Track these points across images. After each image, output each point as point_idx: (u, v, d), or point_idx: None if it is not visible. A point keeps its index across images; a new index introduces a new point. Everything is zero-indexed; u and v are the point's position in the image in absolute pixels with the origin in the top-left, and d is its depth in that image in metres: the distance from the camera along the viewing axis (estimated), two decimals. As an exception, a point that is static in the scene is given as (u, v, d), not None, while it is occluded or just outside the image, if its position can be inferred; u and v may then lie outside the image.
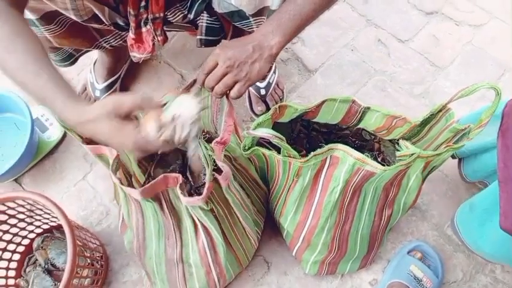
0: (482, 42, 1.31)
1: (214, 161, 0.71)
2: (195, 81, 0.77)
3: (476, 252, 0.92)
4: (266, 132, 0.68)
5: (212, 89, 0.73)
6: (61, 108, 0.63)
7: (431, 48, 1.30)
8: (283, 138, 0.69)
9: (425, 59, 1.28)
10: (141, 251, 0.87)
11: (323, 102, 0.79)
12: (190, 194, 0.84)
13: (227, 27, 0.90)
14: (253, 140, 0.78)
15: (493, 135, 0.74)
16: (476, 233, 0.88)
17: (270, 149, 0.77)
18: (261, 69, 0.70)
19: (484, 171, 0.92)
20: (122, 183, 0.71)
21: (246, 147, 0.77)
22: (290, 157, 0.73)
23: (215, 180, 0.72)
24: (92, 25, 0.85)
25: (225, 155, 0.81)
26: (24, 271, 1.00)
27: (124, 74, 1.24)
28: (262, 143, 0.81)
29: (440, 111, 0.77)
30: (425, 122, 0.80)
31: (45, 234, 1.03)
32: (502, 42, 1.30)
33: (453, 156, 0.80)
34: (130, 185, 0.84)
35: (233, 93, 0.71)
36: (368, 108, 0.81)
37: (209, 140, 0.75)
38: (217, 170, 0.72)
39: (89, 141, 0.76)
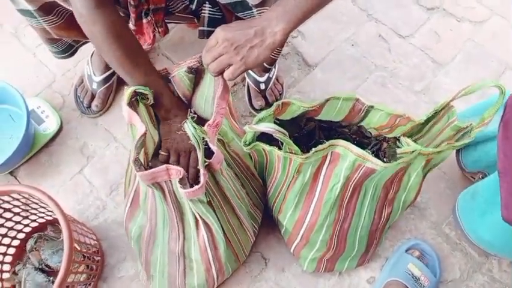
0: (483, 39, 1.30)
1: (206, 143, 0.70)
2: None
3: (476, 242, 0.91)
4: (268, 127, 0.67)
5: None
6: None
7: (431, 44, 1.29)
8: (286, 133, 0.68)
9: (426, 55, 1.27)
10: (151, 237, 0.86)
11: (326, 100, 0.78)
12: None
13: (229, 18, 0.88)
14: (255, 135, 0.77)
15: (493, 125, 0.74)
16: (476, 222, 0.87)
17: (270, 145, 0.77)
18: (260, 55, 0.68)
19: (484, 161, 0.91)
20: (135, 162, 0.69)
21: (247, 142, 0.76)
22: (291, 153, 0.72)
23: (207, 166, 0.71)
24: None
25: (218, 139, 0.80)
26: (14, 272, 0.98)
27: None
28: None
29: (442, 109, 0.76)
30: (427, 120, 0.80)
31: (38, 234, 1.01)
32: (503, 39, 1.29)
33: (452, 146, 0.81)
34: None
35: (226, 74, 0.70)
36: (372, 107, 0.80)
37: (198, 122, 0.73)
38: (208, 154, 0.71)
39: (131, 106, 0.75)
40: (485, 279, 0.98)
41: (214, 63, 0.70)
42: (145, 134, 0.71)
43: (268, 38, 0.68)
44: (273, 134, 0.67)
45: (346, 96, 0.79)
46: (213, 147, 0.70)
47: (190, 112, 0.79)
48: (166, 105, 0.81)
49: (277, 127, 0.66)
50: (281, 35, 0.68)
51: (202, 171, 0.69)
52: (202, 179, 0.69)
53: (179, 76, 0.81)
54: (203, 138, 0.69)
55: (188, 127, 0.67)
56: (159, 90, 0.79)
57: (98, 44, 0.75)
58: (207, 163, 0.70)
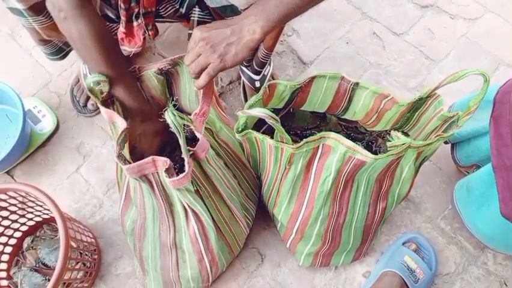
0: (477, 35, 1.31)
1: (192, 132, 0.69)
2: None
3: (476, 235, 0.92)
4: (261, 112, 0.66)
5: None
6: None
7: (426, 42, 1.30)
8: (278, 119, 0.68)
9: (420, 52, 1.28)
10: (141, 232, 0.86)
11: (313, 78, 0.79)
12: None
13: None
14: (247, 121, 0.77)
15: (485, 120, 0.74)
16: (474, 215, 0.88)
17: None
18: (238, 53, 0.67)
19: (477, 156, 0.92)
20: (119, 157, 0.70)
21: (240, 129, 0.76)
22: (282, 142, 0.72)
23: (192, 155, 0.71)
24: None
25: (206, 128, 0.80)
26: (10, 276, 0.98)
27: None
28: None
29: (428, 96, 0.77)
30: (414, 107, 0.80)
31: (35, 234, 1.02)
32: (497, 36, 1.30)
33: (446, 142, 0.79)
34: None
35: (203, 74, 0.69)
36: (357, 84, 0.81)
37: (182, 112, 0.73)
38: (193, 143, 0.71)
39: (106, 105, 0.76)
40: (480, 272, 0.98)
41: (193, 64, 0.69)
42: (126, 129, 0.71)
43: (246, 35, 0.67)
44: (266, 119, 0.67)
45: (331, 74, 0.79)
46: (198, 134, 0.70)
47: (172, 100, 0.78)
48: (136, 109, 0.79)
49: (269, 112, 0.66)
50: (260, 33, 0.67)
51: (186, 159, 0.69)
52: (186, 168, 0.69)
53: (148, 76, 0.82)
54: (186, 126, 0.68)
55: (168, 114, 0.66)
56: (133, 92, 0.78)
57: (77, 43, 0.74)
58: (191, 152, 0.70)
